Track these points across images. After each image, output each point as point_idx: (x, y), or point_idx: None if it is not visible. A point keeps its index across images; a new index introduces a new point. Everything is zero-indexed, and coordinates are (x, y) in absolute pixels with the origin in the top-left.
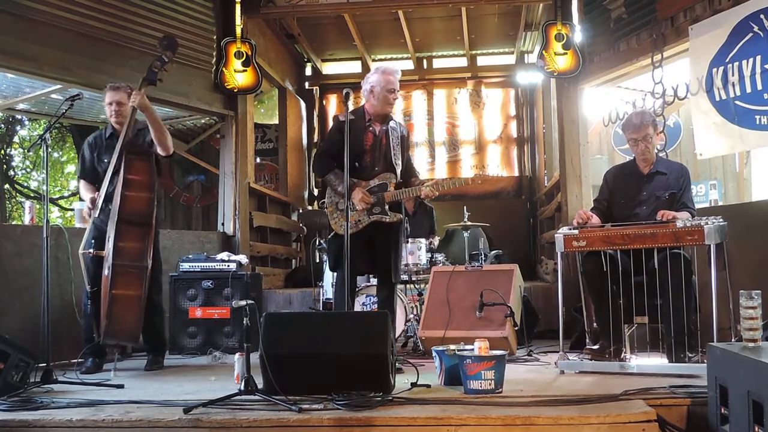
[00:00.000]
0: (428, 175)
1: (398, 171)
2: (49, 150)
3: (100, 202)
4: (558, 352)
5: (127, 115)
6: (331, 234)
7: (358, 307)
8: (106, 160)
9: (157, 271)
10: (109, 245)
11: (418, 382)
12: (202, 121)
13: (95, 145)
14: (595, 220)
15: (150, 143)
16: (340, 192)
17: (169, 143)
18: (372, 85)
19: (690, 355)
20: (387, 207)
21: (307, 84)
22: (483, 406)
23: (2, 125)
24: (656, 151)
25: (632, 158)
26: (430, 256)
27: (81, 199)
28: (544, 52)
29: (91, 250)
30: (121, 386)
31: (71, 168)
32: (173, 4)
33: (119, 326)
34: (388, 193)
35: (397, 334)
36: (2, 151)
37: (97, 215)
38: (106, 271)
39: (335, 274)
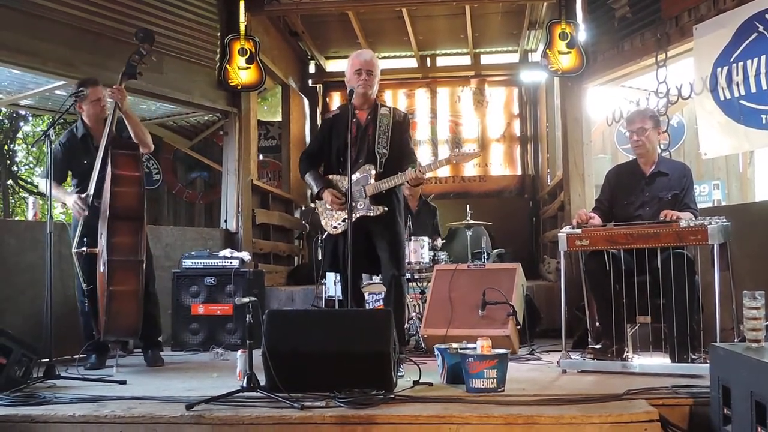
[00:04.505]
0: (430, 174)
1: (381, 160)
2: (53, 146)
3: (89, 200)
4: (560, 351)
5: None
6: (325, 234)
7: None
8: (85, 162)
9: (149, 263)
10: (102, 242)
11: (420, 380)
12: (206, 118)
13: (71, 148)
14: (596, 220)
15: (129, 137)
16: (313, 193)
17: (149, 139)
18: (346, 74)
19: (693, 355)
20: (369, 200)
21: (310, 81)
22: (485, 404)
23: (6, 121)
24: (659, 150)
25: (634, 158)
26: (432, 254)
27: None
28: (547, 50)
29: (85, 249)
30: (123, 382)
31: None
32: (178, 1)
33: (118, 322)
34: (369, 186)
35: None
36: (6, 147)
37: (86, 213)
38: (101, 268)
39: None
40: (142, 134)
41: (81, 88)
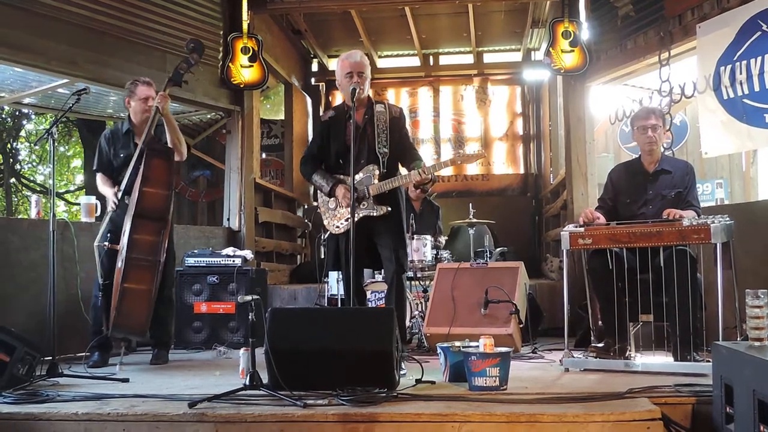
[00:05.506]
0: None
1: (383, 160)
2: (56, 144)
3: (118, 196)
4: (563, 349)
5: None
6: (327, 234)
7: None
8: (122, 155)
9: (170, 266)
10: (125, 239)
11: (423, 379)
12: (208, 116)
13: (112, 140)
14: (602, 219)
15: (166, 142)
16: (325, 192)
17: (183, 149)
18: (336, 77)
19: (695, 354)
20: (372, 200)
21: (313, 80)
22: (487, 402)
23: (9, 119)
24: (662, 149)
25: (637, 156)
26: (435, 252)
27: (96, 192)
28: (551, 49)
29: (107, 243)
30: (126, 380)
31: (77, 162)
32: None
33: (128, 320)
34: (373, 186)
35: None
36: (9, 145)
37: (114, 209)
38: (119, 264)
39: (340, 271)
40: (179, 142)
41: (84, 88)
